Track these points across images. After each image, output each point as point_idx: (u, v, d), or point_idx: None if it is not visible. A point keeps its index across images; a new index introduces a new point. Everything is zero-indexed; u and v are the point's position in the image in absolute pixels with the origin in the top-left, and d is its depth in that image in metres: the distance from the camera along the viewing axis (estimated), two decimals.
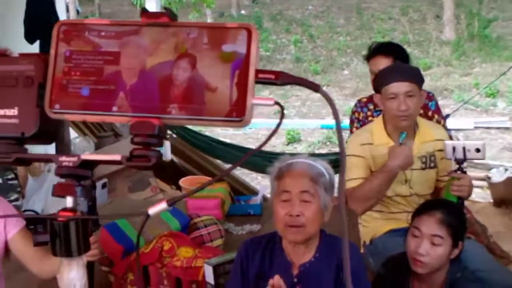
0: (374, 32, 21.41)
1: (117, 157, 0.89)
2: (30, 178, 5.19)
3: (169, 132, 7.47)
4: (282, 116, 0.84)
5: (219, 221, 3.86)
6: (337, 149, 11.26)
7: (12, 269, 3.19)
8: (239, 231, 3.93)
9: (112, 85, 0.88)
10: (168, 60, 0.88)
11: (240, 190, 6.47)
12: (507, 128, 11.85)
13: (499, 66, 16.09)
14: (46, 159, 0.94)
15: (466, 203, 4.06)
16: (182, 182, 5.28)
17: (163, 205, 0.87)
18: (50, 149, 4.56)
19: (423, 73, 3.57)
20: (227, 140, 9.27)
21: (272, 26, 23.01)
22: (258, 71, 0.86)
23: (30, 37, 6.45)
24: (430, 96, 3.98)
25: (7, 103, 0.93)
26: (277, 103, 0.87)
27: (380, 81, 3.28)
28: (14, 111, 0.92)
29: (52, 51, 0.90)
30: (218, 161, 7.07)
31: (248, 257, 2.51)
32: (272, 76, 0.87)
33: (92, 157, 0.91)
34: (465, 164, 3.08)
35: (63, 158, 0.90)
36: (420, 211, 2.80)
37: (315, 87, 0.86)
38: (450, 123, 5.52)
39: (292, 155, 2.76)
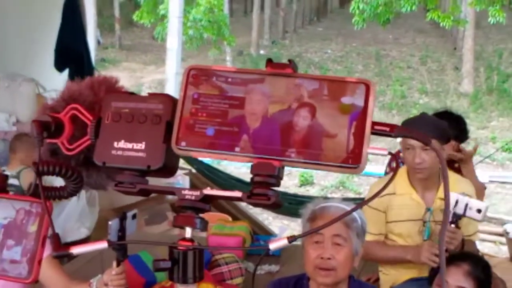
0: (392, 79, 21.54)
1: (238, 194, 0.96)
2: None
3: (188, 167, 7.57)
4: (397, 167, 0.91)
5: (239, 260, 3.89)
6: (349, 194, 11.31)
7: None
8: (257, 271, 3.95)
9: (236, 127, 0.95)
10: (289, 108, 0.95)
11: (256, 230, 6.51)
12: None
13: None
14: (169, 191, 1.01)
15: (485, 258, 4.10)
16: None
17: (284, 242, 0.94)
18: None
19: None
20: (246, 179, 9.31)
21: None
22: (374, 123, 0.93)
23: (60, 66, 6.57)
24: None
25: (136, 138, 1.00)
26: (390, 153, 0.94)
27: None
28: (141, 146, 1.00)
29: (182, 93, 0.98)
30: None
31: None
32: (387, 129, 0.94)
33: (214, 193, 0.98)
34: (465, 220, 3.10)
35: (186, 192, 0.98)
36: (447, 262, 2.78)
37: (427, 141, 0.93)
38: None
39: (325, 199, 2.79)
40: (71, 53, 6.52)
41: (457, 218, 3.05)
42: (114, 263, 2.73)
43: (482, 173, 11.74)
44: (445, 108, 4.28)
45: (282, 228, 5.08)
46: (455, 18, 16.06)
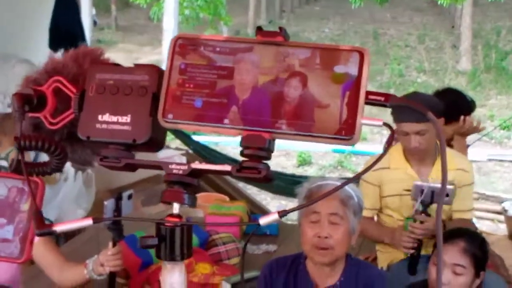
0: (390, 58, 21.48)
1: (227, 168, 0.92)
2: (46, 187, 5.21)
3: (185, 147, 7.54)
4: (392, 139, 0.88)
5: (237, 239, 3.88)
6: (347, 174, 11.30)
7: (30, 275, 3.21)
8: (255, 251, 3.95)
9: (224, 98, 0.92)
10: (280, 78, 0.91)
11: (253, 210, 6.50)
12: None
13: None
14: (156, 165, 0.97)
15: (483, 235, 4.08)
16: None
17: (274, 216, 0.91)
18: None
19: None
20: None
21: None
22: (368, 93, 0.90)
23: (55, 46, 6.51)
24: None
25: (121, 111, 0.97)
26: (386, 124, 0.90)
27: (394, 114, 3.25)
28: (127, 119, 0.96)
29: (168, 63, 0.94)
30: (232, 179, 7.11)
31: (272, 278, 2.51)
32: (382, 98, 0.91)
33: (202, 166, 0.94)
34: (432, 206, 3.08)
35: (173, 166, 0.94)
36: (443, 240, 2.78)
37: (424, 111, 0.89)
38: None
39: (321, 178, 2.77)
40: (66, 33, 6.46)
41: (425, 206, 3.04)
42: (110, 244, 2.72)
43: (481, 151, 11.75)
44: (446, 87, 4.28)
45: (280, 207, 5.06)
46: None
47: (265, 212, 6.91)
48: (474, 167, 11.09)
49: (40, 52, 6.33)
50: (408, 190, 3.22)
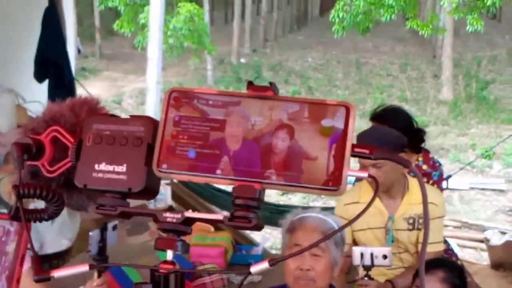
0: (372, 87, 21.68)
1: (220, 217, 0.96)
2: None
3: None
4: (377, 189, 0.92)
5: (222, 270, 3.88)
6: (331, 202, 11.32)
7: None
8: (240, 281, 3.94)
9: (217, 150, 0.96)
10: (269, 130, 0.96)
11: (238, 240, 6.49)
12: (502, 190, 11.95)
13: (495, 128, 16.36)
14: (150, 214, 1.01)
15: (464, 264, 4.10)
16: None
17: (265, 265, 0.94)
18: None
19: None
20: (229, 189, 9.31)
21: (271, 76, 23.26)
22: (354, 145, 0.94)
23: (40, 76, 6.51)
24: (436, 166, 3.93)
25: (117, 160, 1.00)
26: (371, 176, 0.95)
27: None
28: (122, 168, 1.00)
29: (163, 115, 0.98)
30: (217, 209, 7.12)
31: None
32: (367, 151, 0.95)
33: (195, 215, 0.98)
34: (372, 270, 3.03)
35: (167, 214, 0.98)
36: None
37: (407, 164, 0.94)
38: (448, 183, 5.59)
39: (304, 208, 2.79)
40: (51, 63, 6.45)
41: (367, 270, 3.03)
42: (95, 274, 2.72)
43: (462, 179, 11.85)
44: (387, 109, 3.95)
45: (264, 238, 5.06)
46: (434, 26, 16.21)
47: (249, 241, 6.90)
48: (456, 195, 11.21)
49: (25, 83, 6.34)
50: (380, 227, 3.28)
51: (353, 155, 0.95)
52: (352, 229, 3.39)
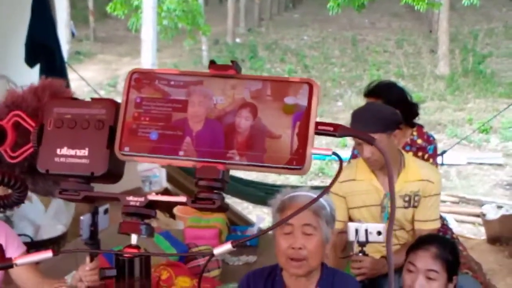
0: (368, 64, 21.59)
1: (183, 199, 0.95)
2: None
3: None
4: (341, 168, 0.90)
5: None
6: (328, 180, 11.32)
7: None
8: (235, 262, 3.93)
9: (179, 131, 0.94)
10: (232, 109, 0.94)
11: (234, 220, 6.49)
12: (499, 165, 11.93)
13: (493, 102, 16.30)
14: (113, 198, 0.99)
15: (461, 239, 4.11)
16: (176, 210, 5.32)
17: (228, 246, 0.93)
18: None
19: None
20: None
21: (267, 55, 23.18)
22: (317, 123, 0.92)
23: (31, 61, 6.48)
24: (431, 140, 3.92)
25: (79, 144, 0.99)
26: (335, 154, 0.93)
27: (351, 125, 3.16)
28: (84, 152, 0.98)
29: (124, 97, 0.96)
30: None
31: None
32: (331, 129, 0.93)
33: (158, 198, 0.96)
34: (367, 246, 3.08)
35: (131, 198, 0.96)
36: (415, 247, 2.83)
37: (371, 141, 0.92)
38: (444, 158, 5.56)
39: (294, 187, 2.78)
40: (42, 47, 6.42)
41: (362, 246, 3.05)
42: (88, 259, 2.72)
43: (460, 154, 11.84)
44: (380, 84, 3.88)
45: (260, 218, 5.05)
46: (429, 1, 16.08)
47: (246, 222, 6.91)
48: (454, 170, 11.17)
49: (16, 68, 6.31)
50: (376, 205, 3.29)
51: (317, 133, 0.93)
52: (349, 206, 3.40)
